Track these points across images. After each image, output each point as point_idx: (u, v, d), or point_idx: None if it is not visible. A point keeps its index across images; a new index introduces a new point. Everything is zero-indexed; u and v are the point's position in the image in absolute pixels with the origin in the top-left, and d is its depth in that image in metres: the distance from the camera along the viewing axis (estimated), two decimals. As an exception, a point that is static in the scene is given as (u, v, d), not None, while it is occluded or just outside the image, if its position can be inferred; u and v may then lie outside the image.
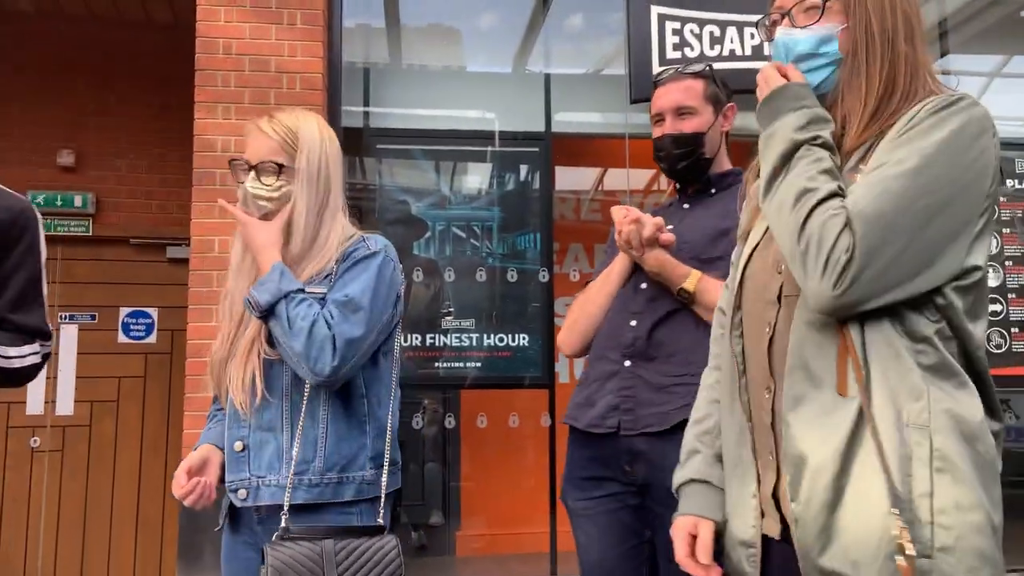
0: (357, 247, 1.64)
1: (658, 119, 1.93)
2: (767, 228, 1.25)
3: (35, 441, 4.57)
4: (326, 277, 1.61)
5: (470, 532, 4.39)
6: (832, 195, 1.11)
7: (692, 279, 1.78)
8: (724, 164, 1.99)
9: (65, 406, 4.63)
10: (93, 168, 4.77)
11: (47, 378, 4.61)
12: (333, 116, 3.75)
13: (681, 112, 1.89)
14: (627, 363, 1.81)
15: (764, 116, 1.22)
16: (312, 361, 1.50)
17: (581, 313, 1.96)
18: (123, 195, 4.80)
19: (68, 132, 4.74)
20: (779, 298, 1.20)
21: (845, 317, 1.10)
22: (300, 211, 1.62)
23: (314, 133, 1.66)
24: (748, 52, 3.79)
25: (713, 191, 1.96)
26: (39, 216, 2.03)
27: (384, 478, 1.61)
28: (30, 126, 4.68)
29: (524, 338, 3.83)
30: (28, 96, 4.71)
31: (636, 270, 1.89)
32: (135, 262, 4.82)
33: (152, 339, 4.79)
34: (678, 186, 2.02)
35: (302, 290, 1.55)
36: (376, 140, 4.02)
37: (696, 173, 1.94)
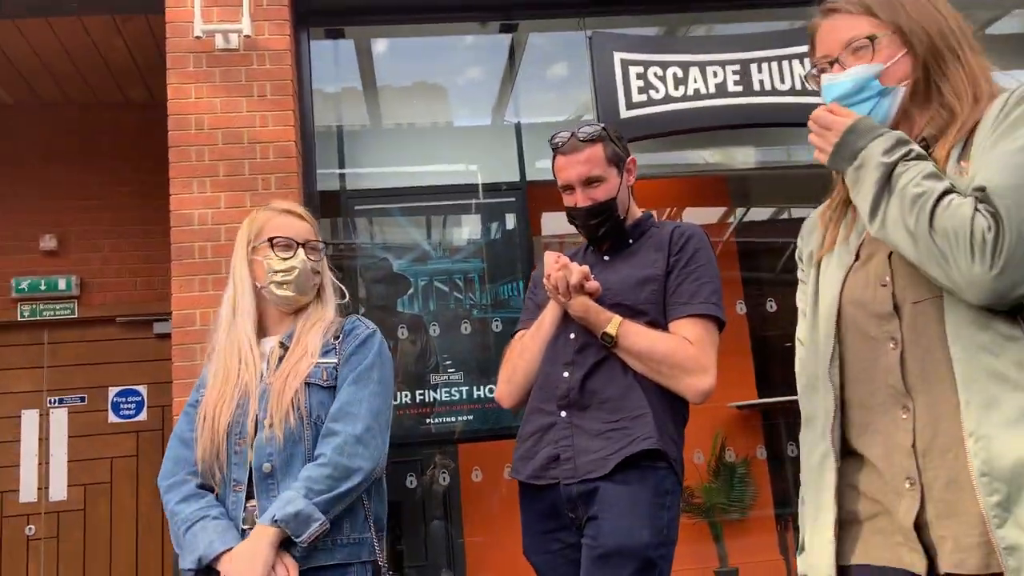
0: (355, 325, 1.83)
1: (567, 189, 1.99)
2: (858, 252, 1.25)
3: (30, 529, 4.50)
4: (330, 351, 1.75)
5: (481, 590, 4.31)
6: (947, 192, 1.10)
7: (614, 324, 1.83)
8: (635, 213, 2.06)
9: (58, 491, 4.57)
10: (76, 250, 4.79)
11: (39, 464, 4.57)
12: (308, 180, 3.80)
13: (590, 182, 1.94)
14: (563, 414, 1.86)
15: (843, 156, 1.21)
16: None
17: (518, 364, 2.00)
18: (107, 275, 4.81)
19: (50, 217, 4.78)
20: (895, 308, 1.17)
21: (1014, 303, 1.06)
22: (330, 281, 1.89)
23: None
24: (712, 90, 3.85)
25: (631, 241, 2.02)
26: None
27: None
28: (12, 213, 4.72)
29: (514, 387, 3.81)
30: (8, 185, 4.75)
31: (566, 319, 1.93)
32: (122, 340, 4.81)
33: (143, 416, 4.75)
34: (582, 235, 2.07)
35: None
36: (354, 201, 4.06)
37: (615, 233, 2.00)
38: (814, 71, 1.33)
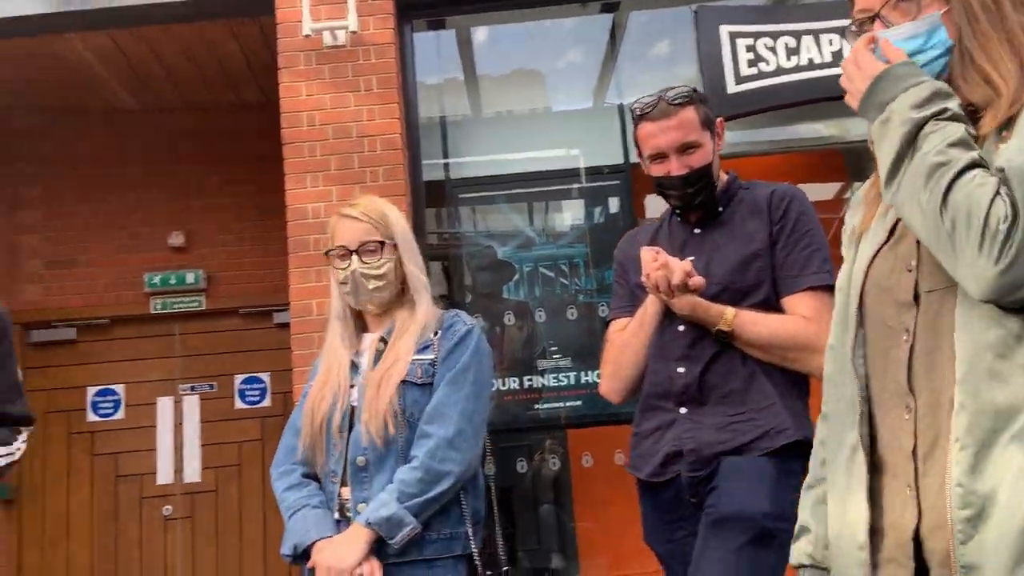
0: (453, 321, 1.80)
1: (658, 158, 1.86)
2: (893, 227, 1.12)
3: (167, 510, 4.80)
4: (427, 347, 1.74)
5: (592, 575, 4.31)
6: (973, 165, 0.97)
7: (727, 319, 1.74)
8: (722, 177, 1.94)
9: (192, 474, 4.86)
10: (202, 246, 5.06)
11: (174, 448, 4.87)
12: (413, 171, 3.86)
13: (685, 148, 1.83)
14: (682, 410, 1.79)
15: (871, 106, 1.07)
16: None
17: (621, 361, 1.92)
18: (231, 268, 5.06)
19: (177, 215, 5.06)
20: (915, 298, 1.06)
21: (1020, 302, 0.93)
22: (413, 276, 1.81)
23: (395, 209, 1.87)
24: (828, 59, 3.67)
25: (720, 208, 1.91)
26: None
27: None
28: (143, 213, 5.02)
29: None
30: (139, 186, 5.06)
31: (670, 311, 1.84)
32: (245, 331, 5.05)
33: (267, 403, 4.98)
34: (677, 212, 1.96)
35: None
36: (458, 190, 4.10)
37: (709, 202, 1.90)
38: (852, 27, 1.18)
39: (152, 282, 4.94)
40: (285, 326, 5.02)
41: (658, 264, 1.76)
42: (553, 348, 3.87)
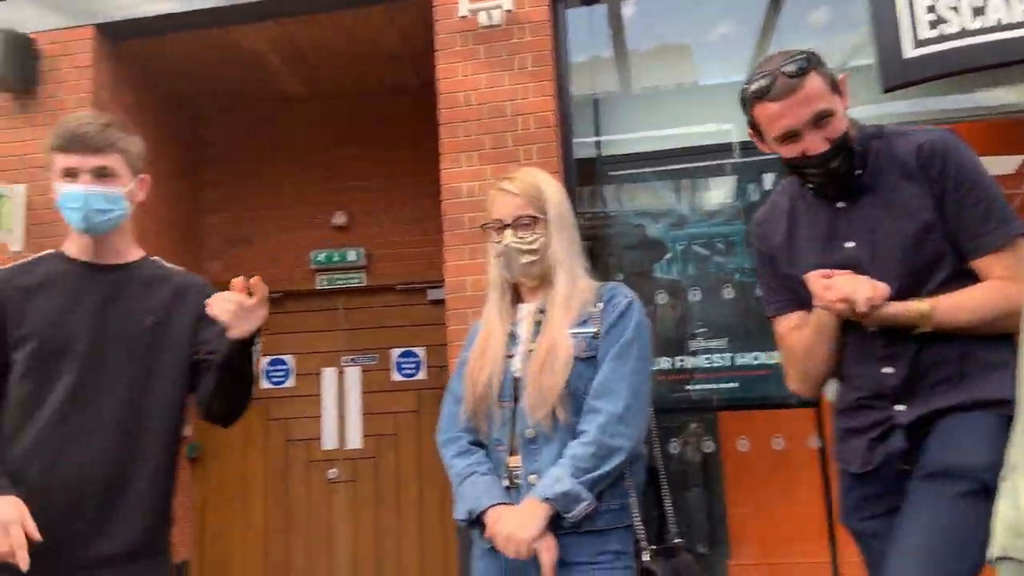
0: (614, 293, 1.78)
1: (789, 138, 1.67)
2: None
3: (333, 473, 5.11)
4: (586, 320, 1.73)
5: (743, 562, 4.20)
6: None
7: (924, 318, 1.58)
8: (851, 133, 1.70)
9: (354, 440, 5.14)
10: (362, 226, 5.31)
11: (338, 416, 5.16)
12: (566, 149, 3.87)
13: (819, 120, 1.64)
14: (897, 407, 1.66)
15: None
16: None
17: (808, 366, 1.78)
18: (388, 247, 5.28)
19: (339, 197, 5.33)
20: None
21: None
22: (560, 255, 1.79)
23: (551, 185, 1.85)
24: (1019, 18, 3.34)
25: (858, 172, 1.70)
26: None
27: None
28: (307, 194, 5.33)
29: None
30: (304, 169, 5.37)
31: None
32: (402, 306, 5.26)
33: (422, 375, 5.18)
34: (812, 185, 1.73)
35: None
36: (609, 167, 4.07)
37: (849, 171, 1.69)
38: None
39: (317, 259, 5.24)
40: (439, 302, 5.19)
41: (836, 297, 1.59)
42: (706, 329, 3.78)
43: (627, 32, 4.49)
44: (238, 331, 1.60)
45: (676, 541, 1.74)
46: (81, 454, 1.64)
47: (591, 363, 1.71)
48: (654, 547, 1.66)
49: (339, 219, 5.27)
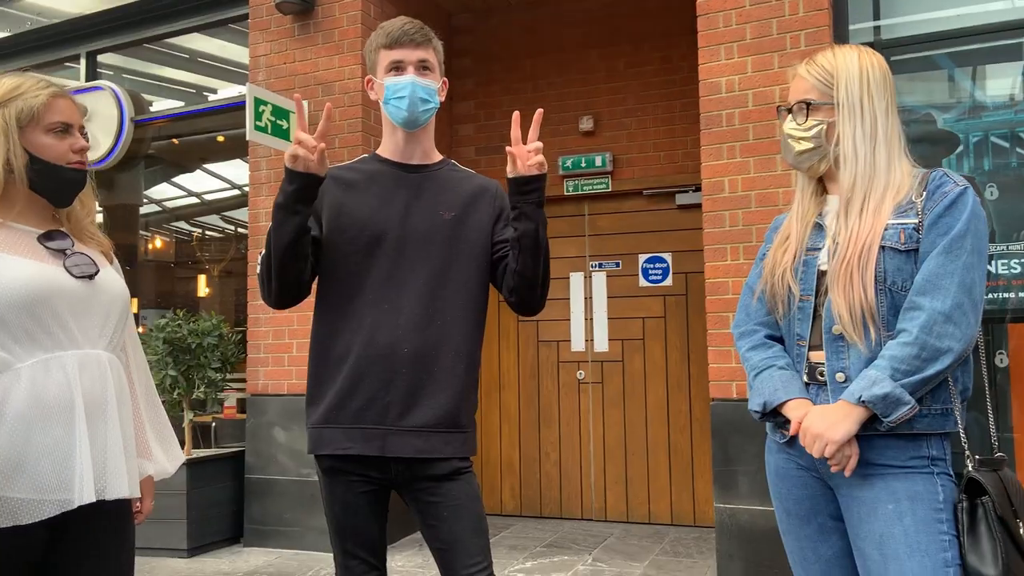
0: (942, 180, 1.60)
1: None
2: None
3: (581, 374, 5.28)
4: (906, 210, 1.58)
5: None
6: None
7: None
8: None
9: (601, 343, 5.25)
10: (608, 130, 5.26)
11: (585, 319, 5.29)
12: (839, 35, 3.52)
13: None
14: None
15: None
16: None
17: None
18: (634, 151, 5.20)
19: (586, 101, 5.30)
20: None
21: None
22: (847, 143, 1.64)
23: (851, 65, 1.67)
24: None
25: None
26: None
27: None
28: (557, 98, 5.35)
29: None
30: (555, 71, 5.38)
31: None
32: (649, 212, 5.20)
33: (668, 282, 5.13)
34: None
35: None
36: (890, 52, 3.65)
37: None
38: None
39: (565, 165, 5.29)
40: (687, 207, 5.07)
41: None
42: (1006, 230, 3.34)
43: None
44: (523, 167, 1.86)
45: (998, 455, 1.58)
46: (392, 333, 1.81)
47: (911, 256, 1.56)
48: (979, 457, 1.53)
49: (586, 124, 5.26)
